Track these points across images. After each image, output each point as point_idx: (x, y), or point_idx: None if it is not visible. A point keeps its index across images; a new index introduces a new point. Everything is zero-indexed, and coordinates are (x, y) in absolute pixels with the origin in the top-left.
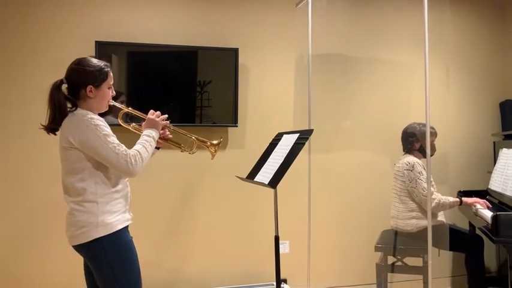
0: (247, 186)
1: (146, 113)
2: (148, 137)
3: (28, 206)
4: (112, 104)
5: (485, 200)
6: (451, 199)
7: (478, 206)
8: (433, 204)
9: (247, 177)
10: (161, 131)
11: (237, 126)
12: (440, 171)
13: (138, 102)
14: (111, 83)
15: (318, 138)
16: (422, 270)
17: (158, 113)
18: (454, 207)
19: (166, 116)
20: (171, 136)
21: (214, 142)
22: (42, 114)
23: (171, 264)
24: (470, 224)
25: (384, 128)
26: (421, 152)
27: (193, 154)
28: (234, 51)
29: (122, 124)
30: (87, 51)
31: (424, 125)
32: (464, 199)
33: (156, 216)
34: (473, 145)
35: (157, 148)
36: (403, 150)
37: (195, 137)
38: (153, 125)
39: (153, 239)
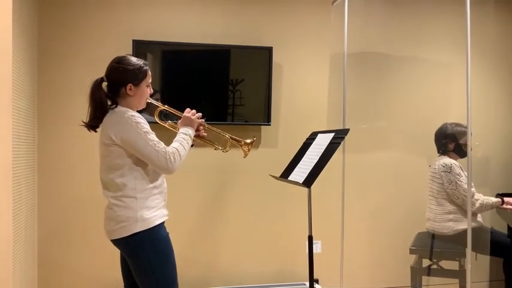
0: (280, 185)
1: (180, 110)
2: (185, 135)
3: (70, 200)
4: (150, 101)
5: None
6: (494, 199)
7: None
8: (477, 205)
9: (281, 176)
10: (196, 129)
11: (270, 124)
12: (479, 173)
13: (172, 100)
14: (150, 81)
15: (353, 137)
16: (458, 274)
17: (194, 111)
18: (495, 207)
19: (200, 114)
20: (205, 134)
21: (248, 141)
22: (83, 111)
23: (204, 260)
24: (509, 228)
25: (421, 128)
26: (456, 153)
27: (227, 152)
28: (268, 50)
29: (158, 121)
30: (124, 50)
31: (457, 125)
32: (506, 199)
33: (190, 212)
34: None
35: (191, 146)
36: (438, 152)
37: (229, 136)
38: (189, 123)
39: (187, 235)
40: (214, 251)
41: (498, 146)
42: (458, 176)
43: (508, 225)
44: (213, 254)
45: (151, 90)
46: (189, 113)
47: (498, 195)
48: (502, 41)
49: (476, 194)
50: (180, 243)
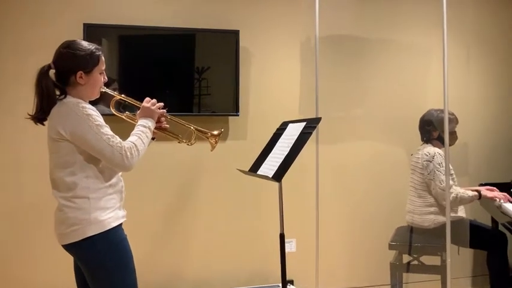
0: (250, 180)
1: (139, 100)
2: (144, 128)
3: (18, 203)
4: (104, 90)
5: (505, 194)
6: (470, 193)
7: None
8: (450, 199)
9: (249, 170)
10: (157, 121)
11: (238, 115)
12: (461, 162)
13: (131, 90)
14: (103, 68)
15: (327, 127)
16: (440, 270)
17: (154, 101)
18: (473, 201)
19: (162, 104)
20: (168, 126)
21: (215, 133)
22: (29, 102)
23: (169, 265)
24: (493, 220)
25: (398, 116)
26: (440, 141)
27: (192, 146)
28: (235, 34)
29: (114, 113)
30: (75, 35)
31: (443, 112)
32: (484, 193)
33: (152, 213)
34: (496, 134)
35: (152, 139)
36: (422, 140)
37: (194, 127)
38: (148, 114)
39: (149, 237)
40: (180, 254)
41: (479, 133)
42: (438, 166)
43: (492, 218)
44: (179, 258)
45: (106, 78)
46: (148, 102)
47: (481, 185)
48: (479, 23)
49: (453, 187)
50: (141, 247)
